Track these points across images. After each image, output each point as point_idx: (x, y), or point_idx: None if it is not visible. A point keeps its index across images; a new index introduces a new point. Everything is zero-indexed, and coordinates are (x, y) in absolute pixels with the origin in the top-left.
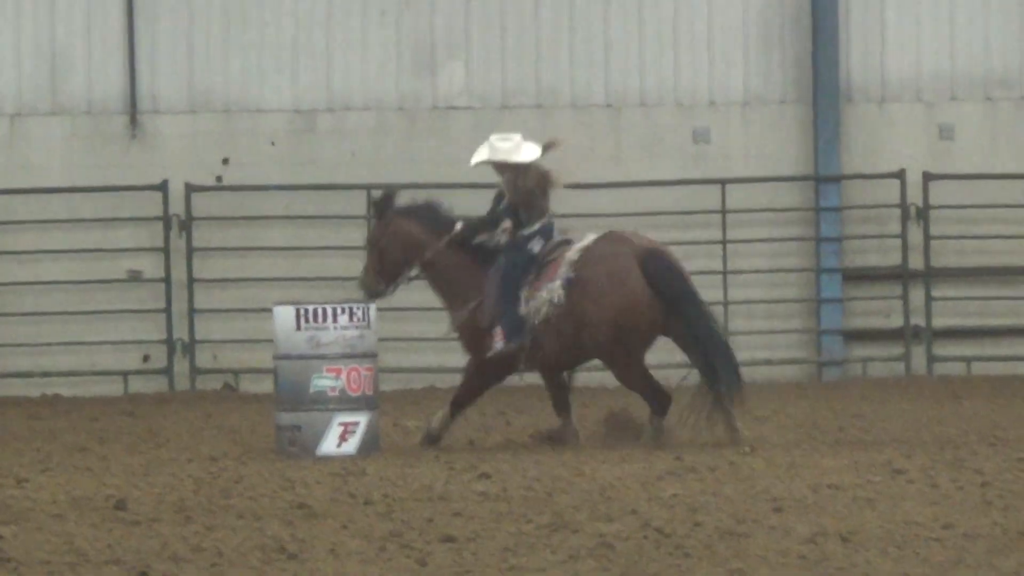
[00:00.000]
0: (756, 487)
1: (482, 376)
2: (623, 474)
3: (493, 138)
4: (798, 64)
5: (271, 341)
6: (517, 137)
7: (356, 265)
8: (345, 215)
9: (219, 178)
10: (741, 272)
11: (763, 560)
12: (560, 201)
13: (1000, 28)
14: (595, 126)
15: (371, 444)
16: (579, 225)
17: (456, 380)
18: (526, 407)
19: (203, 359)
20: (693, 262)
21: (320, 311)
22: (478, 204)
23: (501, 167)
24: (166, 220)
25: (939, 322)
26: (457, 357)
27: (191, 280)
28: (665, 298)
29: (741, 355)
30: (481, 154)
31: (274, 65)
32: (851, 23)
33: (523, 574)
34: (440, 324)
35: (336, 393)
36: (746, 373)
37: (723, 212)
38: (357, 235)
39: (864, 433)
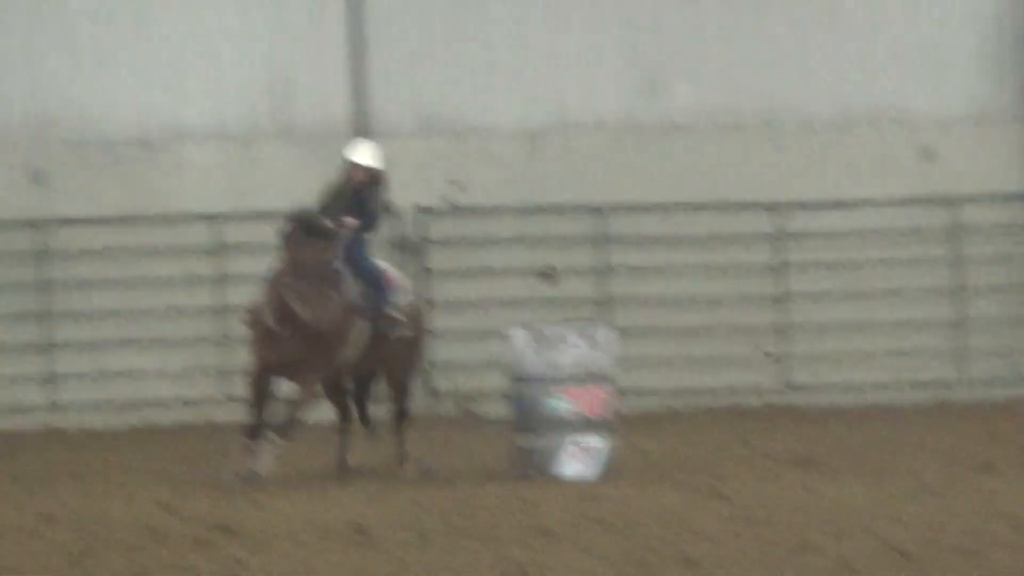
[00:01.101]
0: (994, 506)
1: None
2: (861, 494)
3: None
4: None
5: (507, 364)
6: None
7: (592, 287)
8: (575, 235)
9: (450, 200)
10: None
11: None
12: (789, 220)
13: None
14: (823, 144)
15: (609, 467)
16: (803, 245)
17: (697, 401)
18: (767, 430)
19: (440, 383)
20: (923, 279)
21: (556, 334)
22: (700, 224)
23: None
24: (398, 243)
25: None
26: (698, 376)
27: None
28: None
29: (984, 371)
30: (370, 156)
31: (502, 86)
32: None
33: None
34: (678, 344)
35: (573, 416)
36: (990, 392)
37: (952, 229)
38: (587, 257)
39: None
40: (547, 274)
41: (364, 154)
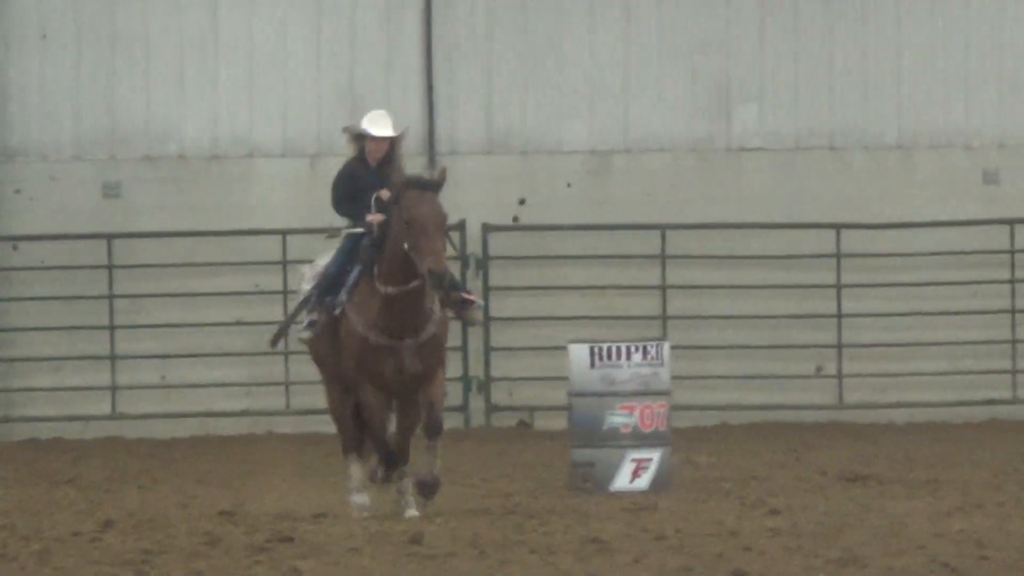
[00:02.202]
0: None
1: None
2: (911, 509)
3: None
4: None
5: (566, 379)
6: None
7: (652, 304)
8: (640, 255)
9: (516, 218)
10: None
11: None
12: (849, 242)
13: None
14: (887, 167)
15: (664, 480)
16: (864, 265)
17: (752, 417)
18: (820, 446)
19: (498, 396)
20: (982, 301)
21: (614, 349)
22: (761, 245)
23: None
24: (463, 259)
25: None
26: (753, 393)
27: (487, 318)
28: None
29: None
30: (387, 124)
31: (571, 107)
32: None
33: None
34: (734, 361)
35: (629, 430)
36: None
37: (1012, 252)
38: (653, 275)
39: None
40: None
41: (382, 124)
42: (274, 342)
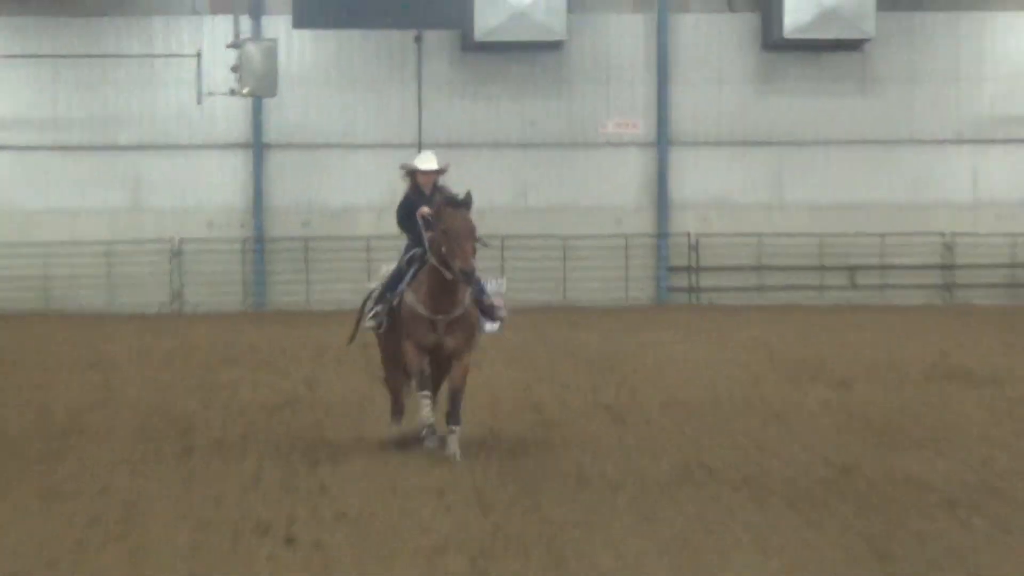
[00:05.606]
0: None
1: None
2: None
3: (426, 152)
4: None
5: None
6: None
7: None
8: None
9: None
10: None
11: None
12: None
13: None
14: None
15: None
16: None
17: None
18: None
19: None
20: None
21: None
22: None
23: (438, 172)
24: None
25: None
26: None
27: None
28: None
29: None
30: (433, 160)
31: None
32: None
33: None
34: None
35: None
36: None
37: None
38: None
39: None
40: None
41: (428, 160)
42: (351, 339)
